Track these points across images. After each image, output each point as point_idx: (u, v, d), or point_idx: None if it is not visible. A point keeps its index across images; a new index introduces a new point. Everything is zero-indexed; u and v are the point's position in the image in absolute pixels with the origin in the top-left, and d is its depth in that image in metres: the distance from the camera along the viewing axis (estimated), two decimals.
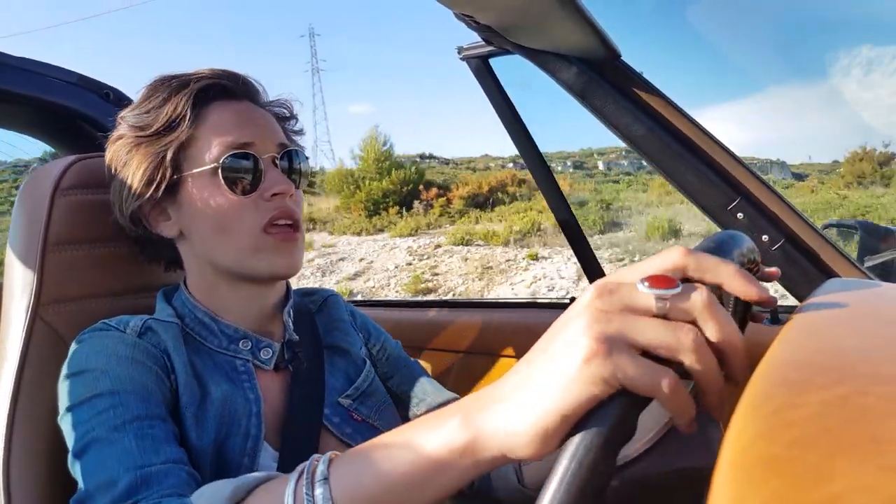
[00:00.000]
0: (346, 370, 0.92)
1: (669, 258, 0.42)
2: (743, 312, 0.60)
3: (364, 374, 0.93)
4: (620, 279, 0.43)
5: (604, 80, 1.14)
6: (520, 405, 0.41)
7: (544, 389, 0.40)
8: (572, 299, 1.53)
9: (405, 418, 0.96)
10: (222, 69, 0.84)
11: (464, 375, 1.55)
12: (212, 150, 0.78)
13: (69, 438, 0.67)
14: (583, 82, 1.14)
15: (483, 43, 1.30)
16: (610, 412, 0.38)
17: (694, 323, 0.40)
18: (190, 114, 0.78)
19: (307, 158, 0.88)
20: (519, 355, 1.46)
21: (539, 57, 1.17)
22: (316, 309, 0.98)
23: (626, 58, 1.13)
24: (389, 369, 1.01)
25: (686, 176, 1.12)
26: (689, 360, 0.39)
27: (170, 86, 0.80)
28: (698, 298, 0.40)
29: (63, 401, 0.70)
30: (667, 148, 1.12)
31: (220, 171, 0.77)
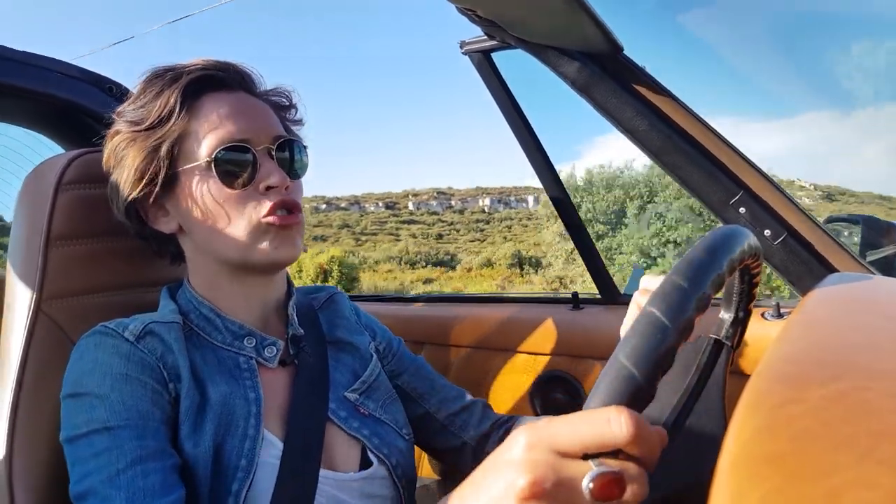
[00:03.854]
0: (352, 365, 0.92)
1: (611, 435, 0.40)
2: (741, 324, 0.63)
3: (370, 368, 0.93)
4: (558, 452, 0.41)
5: (606, 74, 1.13)
6: None
7: None
8: (575, 295, 1.52)
9: (412, 413, 0.96)
10: (216, 60, 0.82)
11: (464, 370, 1.55)
12: (206, 144, 0.78)
13: (70, 468, 0.69)
14: (585, 77, 1.14)
15: (485, 37, 1.29)
16: None
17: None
18: (181, 107, 0.78)
19: (305, 148, 0.86)
20: (519, 350, 1.46)
21: (541, 51, 1.17)
22: (319, 306, 0.98)
23: (628, 52, 1.13)
24: (397, 367, 1.01)
25: (688, 170, 1.12)
26: None
27: (163, 79, 0.80)
28: (635, 499, 0.39)
29: (64, 423, 0.71)
30: (669, 142, 1.12)
31: (213, 164, 0.77)
